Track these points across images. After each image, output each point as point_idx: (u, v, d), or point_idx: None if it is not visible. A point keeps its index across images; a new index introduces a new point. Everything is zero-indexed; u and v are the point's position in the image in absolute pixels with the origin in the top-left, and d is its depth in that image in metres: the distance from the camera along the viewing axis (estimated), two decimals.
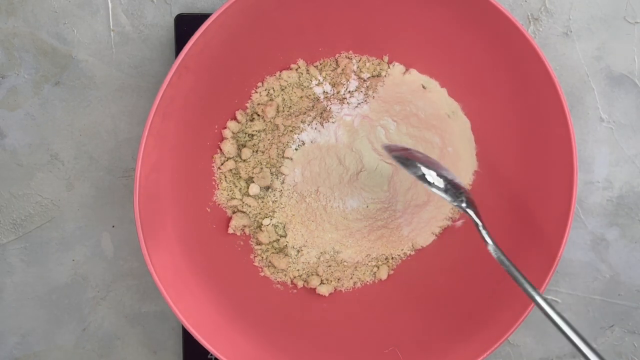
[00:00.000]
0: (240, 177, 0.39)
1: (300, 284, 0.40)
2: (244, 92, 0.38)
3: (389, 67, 0.39)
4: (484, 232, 0.32)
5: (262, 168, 0.38)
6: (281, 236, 0.39)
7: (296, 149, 0.39)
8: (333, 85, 0.39)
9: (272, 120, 0.38)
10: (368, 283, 0.41)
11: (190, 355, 0.41)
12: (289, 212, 0.39)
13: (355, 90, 0.39)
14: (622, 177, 0.43)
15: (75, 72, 0.41)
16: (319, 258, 0.40)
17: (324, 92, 0.39)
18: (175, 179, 0.35)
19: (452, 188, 0.33)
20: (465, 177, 0.40)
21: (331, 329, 0.39)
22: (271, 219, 0.39)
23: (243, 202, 0.39)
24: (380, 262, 0.40)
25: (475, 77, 0.38)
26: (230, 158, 0.38)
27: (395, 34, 0.38)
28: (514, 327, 0.34)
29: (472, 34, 0.36)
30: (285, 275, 0.40)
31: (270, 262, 0.39)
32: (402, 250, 0.41)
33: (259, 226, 0.39)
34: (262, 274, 0.39)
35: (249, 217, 0.39)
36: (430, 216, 0.40)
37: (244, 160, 0.38)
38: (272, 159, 0.38)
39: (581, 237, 0.43)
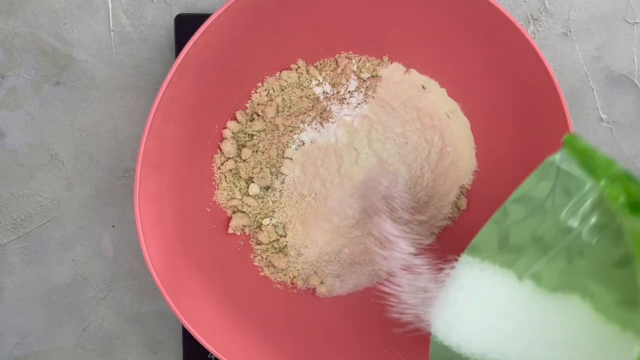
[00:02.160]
0: (240, 177, 0.39)
1: (300, 283, 0.40)
2: (244, 92, 0.39)
3: (388, 67, 0.39)
4: None
5: (262, 168, 0.38)
6: (281, 236, 0.39)
7: (296, 149, 0.39)
8: (333, 85, 0.39)
9: (272, 120, 0.38)
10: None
11: (190, 355, 0.41)
12: (288, 212, 0.39)
13: (355, 91, 0.39)
14: None
15: (75, 72, 0.41)
16: (319, 258, 0.40)
17: (324, 92, 0.39)
18: (175, 179, 0.35)
19: None
20: (465, 177, 0.40)
21: (331, 328, 0.39)
22: (271, 219, 0.39)
23: (243, 202, 0.39)
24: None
25: (474, 77, 0.38)
26: (230, 158, 0.39)
27: (395, 34, 0.38)
28: None
29: (471, 34, 0.36)
30: (285, 275, 0.40)
31: (270, 262, 0.39)
32: None
33: (259, 226, 0.39)
34: (262, 273, 0.40)
35: (249, 217, 0.39)
36: (430, 216, 0.40)
37: (244, 160, 0.39)
38: (272, 159, 0.38)
39: None
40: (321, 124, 0.39)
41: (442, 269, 0.31)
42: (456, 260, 0.30)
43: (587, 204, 0.26)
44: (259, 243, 0.39)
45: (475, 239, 0.29)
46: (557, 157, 0.27)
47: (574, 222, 0.26)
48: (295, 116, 0.39)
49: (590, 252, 0.26)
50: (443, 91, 0.40)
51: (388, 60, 0.39)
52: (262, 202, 0.39)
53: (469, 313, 0.29)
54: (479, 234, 0.29)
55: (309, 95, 0.39)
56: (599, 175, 0.26)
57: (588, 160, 0.26)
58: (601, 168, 0.26)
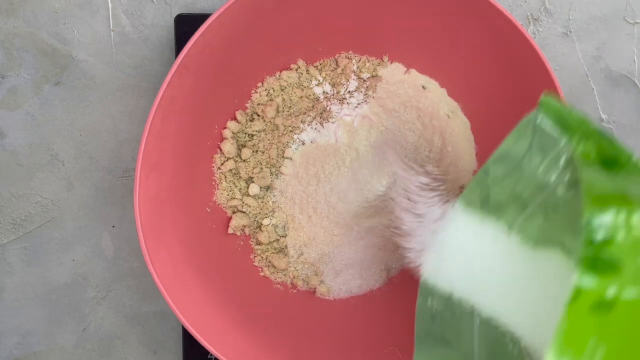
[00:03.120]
0: (240, 177, 0.39)
1: (300, 284, 0.40)
2: (244, 92, 0.39)
3: (388, 67, 0.39)
4: None
5: (262, 168, 0.38)
6: (281, 236, 0.39)
7: (296, 149, 0.39)
8: (333, 85, 0.39)
9: (272, 120, 0.38)
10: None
11: (190, 355, 0.41)
12: (289, 212, 0.39)
13: (355, 91, 0.39)
14: None
15: (75, 72, 0.41)
16: (319, 258, 0.40)
17: (324, 92, 0.39)
18: (175, 178, 0.35)
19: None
20: (465, 177, 0.40)
21: (331, 328, 0.39)
22: (271, 219, 0.39)
23: (243, 202, 0.39)
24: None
25: (475, 77, 0.38)
26: (230, 158, 0.39)
27: (395, 34, 0.38)
28: None
29: (471, 34, 0.36)
30: (285, 275, 0.40)
31: (270, 262, 0.39)
32: None
33: (259, 226, 0.39)
34: (262, 274, 0.40)
35: (249, 217, 0.39)
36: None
37: (244, 160, 0.39)
38: (272, 159, 0.38)
39: None
40: (321, 124, 0.39)
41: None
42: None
43: (562, 160, 0.27)
44: (259, 243, 0.39)
45: (462, 196, 0.30)
46: (533, 116, 0.27)
47: (549, 179, 0.27)
48: (295, 116, 0.39)
49: (564, 207, 0.26)
50: (443, 91, 0.40)
51: (388, 60, 0.39)
52: (262, 202, 0.39)
53: (460, 259, 0.29)
54: (463, 192, 0.30)
55: (309, 95, 0.39)
56: (572, 133, 0.26)
57: (562, 118, 0.26)
58: (574, 126, 0.26)
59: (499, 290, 0.28)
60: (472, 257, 0.29)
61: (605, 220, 0.22)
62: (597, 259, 0.22)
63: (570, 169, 0.26)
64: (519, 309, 0.27)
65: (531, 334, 0.26)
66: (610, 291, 0.21)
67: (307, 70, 0.39)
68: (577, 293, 0.21)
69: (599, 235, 0.22)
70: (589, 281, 0.21)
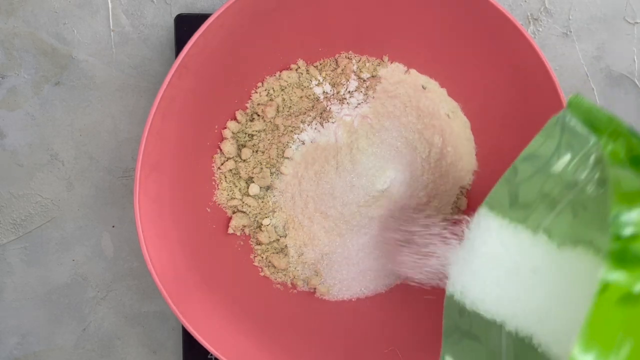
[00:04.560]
0: (240, 177, 0.39)
1: (300, 284, 0.40)
2: (244, 92, 0.39)
3: (388, 67, 0.39)
4: None
5: (262, 168, 0.38)
6: (281, 236, 0.39)
7: (296, 149, 0.39)
8: (333, 85, 0.39)
9: (272, 120, 0.38)
10: None
11: (190, 355, 0.41)
12: (289, 212, 0.39)
13: (355, 91, 0.39)
14: None
15: (75, 72, 0.41)
16: (319, 258, 0.40)
17: (324, 92, 0.39)
18: (175, 179, 0.35)
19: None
20: (465, 177, 0.40)
21: (331, 328, 0.39)
22: (271, 219, 0.39)
23: (243, 202, 0.39)
24: None
25: (475, 77, 0.38)
26: (230, 158, 0.39)
27: (395, 35, 0.38)
28: None
29: (471, 34, 0.36)
30: (285, 275, 0.40)
31: (270, 262, 0.39)
32: None
33: (259, 226, 0.39)
34: (262, 274, 0.40)
35: (249, 217, 0.39)
36: (429, 216, 0.40)
37: (244, 160, 0.39)
38: (272, 159, 0.38)
39: None
40: (321, 124, 0.39)
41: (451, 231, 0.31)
42: (468, 219, 0.30)
43: (591, 160, 0.26)
44: (259, 243, 0.39)
45: (489, 197, 0.30)
46: (562, 115, 0.27)
47: (578, 177, 0.27)
48: (295, 116, 0.39)
49: (594, 205, 0.26)
50: (443, 91, 0.40)
51: (388, 60, 0.39)
52: (262, 202, 0.39)
53: (485, 267, 0.29)
54: (491, 192, 0.30)
55: (309, 95, 0.39)
56: (602, 132, 0.26)
57: (591, 118, 0.26)
58: (604, 124, 0.26)
59: (524, 294, 0.27)
60: (497, 262, 0.29)
61: (632, 217, 0.22)
62: (625, 254, 0.22)
63: (600, 167, 0.26)
64: (545, 313, 0.27)
65: (558, 338, 0.25)
66: (639, 285, 0.21)
67: (307, 70, 0.39)
68: (605, 287, 0.21)
69: (627, 231, 0.22)
70: (617, 275, 0.21)
